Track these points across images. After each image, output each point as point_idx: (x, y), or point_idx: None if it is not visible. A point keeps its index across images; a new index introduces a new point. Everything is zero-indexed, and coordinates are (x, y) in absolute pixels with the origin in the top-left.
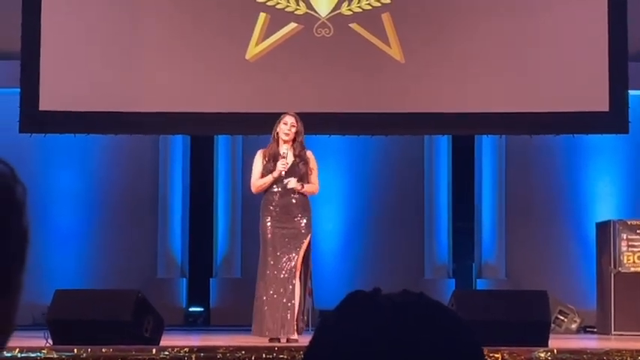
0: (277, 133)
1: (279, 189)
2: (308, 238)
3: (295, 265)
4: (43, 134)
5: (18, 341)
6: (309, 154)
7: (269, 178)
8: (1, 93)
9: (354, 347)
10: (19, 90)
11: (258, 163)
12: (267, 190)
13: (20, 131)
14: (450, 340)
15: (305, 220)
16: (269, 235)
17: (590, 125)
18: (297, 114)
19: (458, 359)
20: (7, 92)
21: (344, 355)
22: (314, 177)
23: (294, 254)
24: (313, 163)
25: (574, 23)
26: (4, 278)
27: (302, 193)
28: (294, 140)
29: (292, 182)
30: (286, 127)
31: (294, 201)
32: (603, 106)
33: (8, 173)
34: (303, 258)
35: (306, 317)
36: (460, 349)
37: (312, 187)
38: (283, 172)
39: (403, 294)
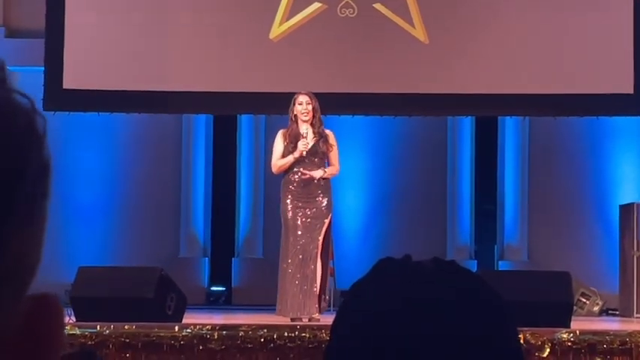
0: (295, 115)
1: (300, 170)
2: (329, 218)
3: (316, 245)
4: (67, 112)
5: None
6: (328, 132)
7: (290, 159)
8: (26, 71)
9: (385, 312)
10: (43, 68)
11: (279, 143)
12: (288, 170)
13: (44, 109)
14: (483, 306)
15: (326, 200)
16: (289, 216)
17: (614, 107)
18: (322, 94)
19: (490, 320)
20: (31, 70)
21: (375, 320)
22: (334, 157)
23: (315, 234)
24: (333, 140)
25: (599, 5)
26: (27, 207)
27: None
28: (313, 117)
29: (317, 173)
30: (302, 107)
31: (314, 181)
32: (628, 88)
33: (28, 105)
34: (324, 238)
35: (328, 297)
36: (493, 312)
37: (333, 169)
38: (304, 152)
39: (434, 261)
